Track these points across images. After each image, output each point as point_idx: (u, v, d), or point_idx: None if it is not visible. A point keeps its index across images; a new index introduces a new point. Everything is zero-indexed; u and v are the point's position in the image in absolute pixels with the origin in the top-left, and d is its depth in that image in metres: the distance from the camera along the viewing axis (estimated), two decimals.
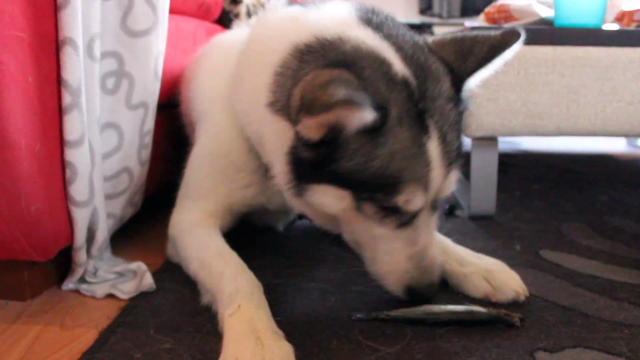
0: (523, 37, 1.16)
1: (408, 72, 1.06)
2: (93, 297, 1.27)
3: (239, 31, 1.61)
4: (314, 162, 1.05)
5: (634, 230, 1.82)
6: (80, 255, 1.25)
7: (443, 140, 1.07)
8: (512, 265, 1.33)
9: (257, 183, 1.41)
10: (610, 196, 2.25)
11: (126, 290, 1.27)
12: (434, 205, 1.16)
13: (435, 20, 4.74)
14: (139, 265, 1.33)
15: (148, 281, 1.28)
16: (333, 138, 1.02)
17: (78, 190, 1.17)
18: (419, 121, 1.04)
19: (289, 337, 1.05)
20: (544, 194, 2.27)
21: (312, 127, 1.00)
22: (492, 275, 1.27)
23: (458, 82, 1.13)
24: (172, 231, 1.41)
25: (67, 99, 1.11)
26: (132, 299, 1.25)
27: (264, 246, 1.61)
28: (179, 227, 1.39)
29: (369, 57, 1.05)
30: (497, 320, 1.14)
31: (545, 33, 1.75)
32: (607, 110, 1.77)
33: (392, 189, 1.04)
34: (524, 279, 1.33)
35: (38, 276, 1.27)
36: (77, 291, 1.30)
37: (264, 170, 1.35)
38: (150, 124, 1.42)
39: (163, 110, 1.70)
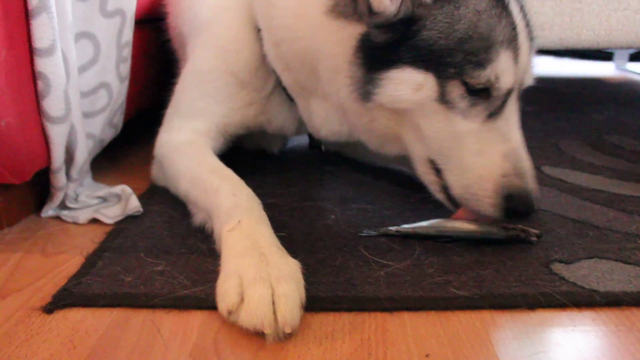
0: None
1: None
2: (75, 223, 1.18)
3: None
4: (390, 43, 1.01)
5: (633, 147, 1.78)
6: (59, 178, 1.15)
7: (522, 10, 1.04)
8: None
9: (259, 102, 1.32)
10: (605, 116, 2.21)
11: (111, 214, 1.18)
12: (519, 95, 1.07)
13: None
14: (124, 189, 1.24)
15: (134, 204, 1.19)
16: (410, 11, 1.00)
17: (52, 104, 1.06)
18: None
19: (291, 255, 0.98)
20: (539, 115, 2.21)
21: None
22: None
23: None
24: (159, 150, 1.31)
25: (33, 0, 0.99)
26: (118, 223, 1.16)
27: (256, 168, 1.53)
28: (168, 146, 1.29)
29: None
30: (513, 239, 1.07)
31: None
32: (612, 19, 1.69)
33: (484, 57, 0.98)
34: None
35: (14, 202, 1.17)
36: (57, 218, 1.21)
37: (271, 88, 1.30)
38: (128, 34, 1.29)
39: (142, 25, 1.57)
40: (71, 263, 1.02)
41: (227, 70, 1.28)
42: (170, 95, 1.38)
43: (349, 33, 1.06)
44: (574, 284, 0.94)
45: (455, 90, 1.00)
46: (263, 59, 1.25)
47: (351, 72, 1.07)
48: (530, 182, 1.03)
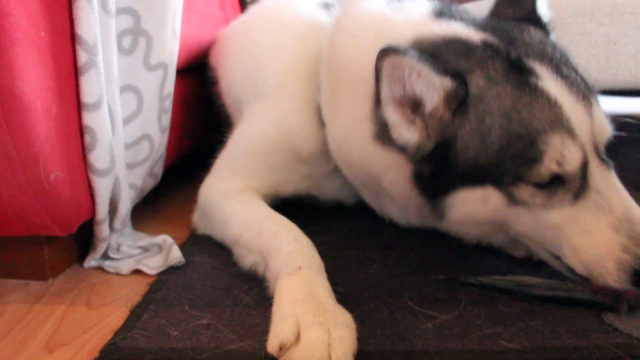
0: None
1: (486, 36, 1.01)
2: (118, 274, 1.19)
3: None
4: (438, 172, 0.99)
5: None
6: (103, 229, 1.16)
7: (559, 73, 0.95)
8: None
9: (317, 177, 1.34)
10: None
11: (153, 265, 1.19)
12: (601, 157, 0.96)
13: None
14: (165, 239, 1.25)
15: (176, 254, 1.19)
16: (442, 139, 0.97)
17: (98, 157, 1.08)
18: (518, 68, 0.95)
19: None
20: None
21: (397, 116, 0.97)
22: None
23: (537, 20, 1.08)
24: (206, 197, 1.32)
25: (83, 57, 1.02)
26: (160, 274, 1.16)
27: (291, 215, 1.53)
28: (216, 194, 1.31)
29: (447, 44, 1.01)
30: (600, 305, 0.96)
31: None
32: None
33: (533, 153, 0.91)
34: None
35: (59, 253, 1.19)
36: (100, 268, 1.22)
37: (332, 168, 1.30)
38: (170, 86, 1.32)
39: (181, 74, 1.61)
40: (116, 315, 1.02)
41: (290, 149, 1.29)
42: (222, 144, 1.39)
43: (399, 161, 1.05)
44: (630, 335, 0.91)
45: (523, 191, 0.94)
46: (327, 145, 1.26)
47: (415, 199, 1.07)
48: None
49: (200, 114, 1.80)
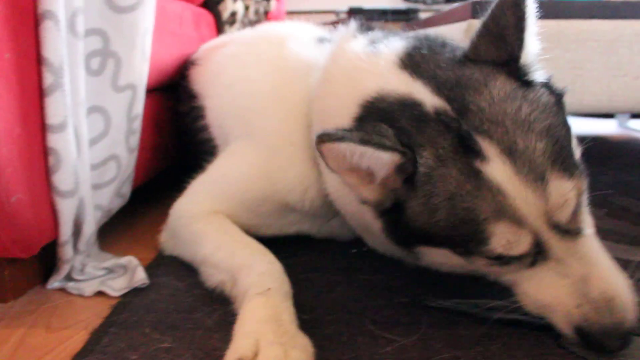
0: None
1: (440, 102, 0.95)
2: (81, 296, 1.18)
3: (283, 32, 1.49)
4: (401, 227, 0.99)
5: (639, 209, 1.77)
6: (66, 251, 1.16)
7: (510, 152, 0.88)
8: None
9: (308, 222, 1.35)
10: (610, 176, 2.21)
11: (117, 287, 1.18)
12: (565, 229, 0.90)
13: (420, 6, 4.67)
14: (130, 260, 1.24)
15: (140, 276, 1.19)
16: (397, 201, 0.96)
17: (62, 179, 1.07)
18: (466, 148, 0.90)
19: None
20: None
21: (353, 179, 0.96)
22: None
23: (515, 69, 0.97)
24: (177, 218, 1.32)
25: (48, 78, 1.02)
26: (123, 296, 1.16)
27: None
28: (188, 215, 1.30)
29: (401, 106, 0.98)
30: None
31: (549, 6, 1.68)
32: (613, 85, 1.71)
33: (479, 236, 0.89)
34: None
35: (20, 275, 1.17)
36: (63, 290, 1.21)
37: (332, 215, 1.30)
38: (138, 107, 1.32)
39: (149, 95, 1.61)
40: (76, 339, 1.01)
41: (280, 201, 1.28)
42: (203, 170, 1.38)
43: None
44: (585, 359, 0.93)
45: (478, 260, 0.94)
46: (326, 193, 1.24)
47: (392, 245, 1.07)
48: (611, 316, 0.87)
49: (172, 133, 1.80)
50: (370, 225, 1.10)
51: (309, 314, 1.06)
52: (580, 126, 3.68)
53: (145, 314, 1.07)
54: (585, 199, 0.98)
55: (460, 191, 0.89)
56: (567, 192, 0.88)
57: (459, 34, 1.66)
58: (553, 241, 0.89)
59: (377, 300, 1.12)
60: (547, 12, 1.67)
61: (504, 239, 0.87)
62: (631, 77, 1.71)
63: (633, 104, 1.74)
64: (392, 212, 0.98)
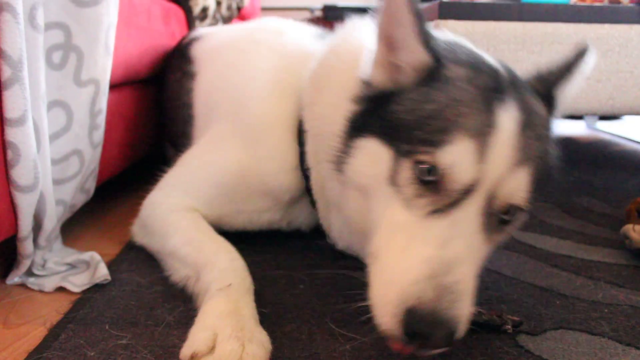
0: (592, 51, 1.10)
1: (499, 65, 1.00)
2: (41, 292, 1.17)
3: (277, 25, 1.52)
4: (366, 112, 0.99)
5: (602, 210, 1.81)
6: (26, 246, 1.14)
7: (521, 125, 0.89)
8: None
9: (279, 209, 1.36)
10: (575, 177, 2.25)
11: (78, 282, 1.17)
12: (490, 211, 0.89)
13: None
14: (92, 256, 1.23)
15: (102, 272, 1.18)
16: (394, 88, 0.97)
17: (21, 174, 1.06)
18: (495, 95, 0.90)
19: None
20: None
21: (381, 48, 0.98)
22: None
23: (548, 98, 1.04)
24: (149, 210, 1.33)
25: (6, 72, 1.00)
26: (85, 292, 1.15)
27: (225, 234, 1.52)
28: (161, 208, 1.31)
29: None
30: (487, 326, 1.01)
31: (514, 9, 1.71)
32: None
33: (439, 137, 0.86)
34: (499, 260, 1.29)
35: None
36: (23, 285, 1.19)
37: (299, 195, 1.32)
38: (102, 102, 1.31)
39: (117, 89, 1.59)
40: (33, 335, 1.00)
41: (262, 187, 1.31)
42: (175, 162, 1.39)
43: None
44: (540, 357, 0.95)
45: (405, 171, 0.89)
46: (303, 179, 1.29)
47: (337, 144, 1.04)
48: (449, 304, 0.79)
49: (140, 128, 1.79)
50: (341, 196, 1.11)
51: (271, 311, 1.07)
52: None
53: (105, 310, 1.07)
54: (519, 220, 0.97)
55: (467, 102, 0.89)
56: (523, 190, 0.89)
57: None
58: (474, 202, 0.86)
59: (339, 298, 1.13)
60: (513, 14, 1.70)
61: (456, 153, 0.85)
62: (593, 79, 1.74)
63: (596, 107, 1.77)
64: (376, 100, 0.99)
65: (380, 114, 0.96)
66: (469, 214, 0.86)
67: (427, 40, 0.94)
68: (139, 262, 1.28)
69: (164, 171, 1.40)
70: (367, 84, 1.01)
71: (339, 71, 1.15)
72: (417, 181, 0.88)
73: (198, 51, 1.66)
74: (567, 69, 1.07)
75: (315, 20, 4.20)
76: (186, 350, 0.86)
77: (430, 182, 0.87)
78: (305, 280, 1.22)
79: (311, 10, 4.64)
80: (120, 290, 1.15)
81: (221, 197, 1.32)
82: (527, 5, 1.73)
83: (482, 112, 0.88)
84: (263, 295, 1.13)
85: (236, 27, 1.72)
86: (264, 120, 1.30)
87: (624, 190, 2.08)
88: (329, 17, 4.24)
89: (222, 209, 1.33)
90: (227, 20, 2.67)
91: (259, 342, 0.89)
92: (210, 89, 1.50)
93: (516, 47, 1.69)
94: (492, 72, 0.96)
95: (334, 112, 1.10)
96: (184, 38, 1.90)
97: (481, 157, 0.85)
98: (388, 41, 0.97)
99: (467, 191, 0.86)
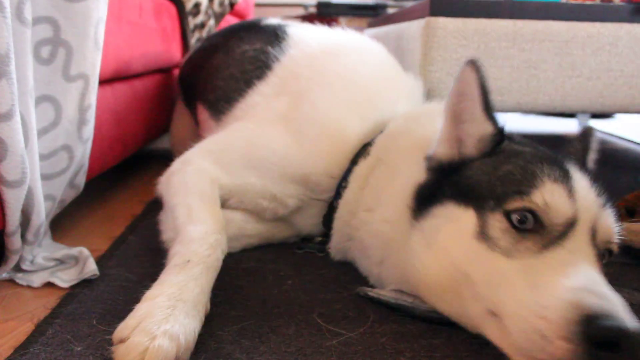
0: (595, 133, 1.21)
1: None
2: (30, 287, 1.16)
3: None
4: (438, 181, 1.05)
5: None
6: (14, 241, 1.14)
7: (587, 178, 0.98)
8: None
9: (298, 200, 1.35)
10: None
11: (67, 278, 1.17)
12: (595, 246, 0.91)
13: (388, 2, 4.68)
14: (81, 251, 1.23)
15: (91, 267, 1.18)
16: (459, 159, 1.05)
17: (8, 168, 1.05)
18: (557, 158, 1.01)
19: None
20: None
21: (448, 122, 1.06)
22: None
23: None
24: (178, 166, 1.35)
25: None
26: (73, 287, 1.15)
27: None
28: (188, 167, 1.33)
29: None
30: None
31: (506, 6, 1.71)
32: (567, 85, 1.75)
33: (527, 187, 0.92)
34: None
35: None
36: (11, 281, 1.19)
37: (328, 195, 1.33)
38: (91, 98, 1.30)
39: (107, 84, 1.59)
40: (20, 330, 1.00)
41: (297, 175, 1.32)
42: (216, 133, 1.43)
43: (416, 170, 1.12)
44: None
45: (497, 223, 0.92)
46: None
47: (409, 203, 1.08)
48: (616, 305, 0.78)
49: (131, 124, 1.78)
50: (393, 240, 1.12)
51: (258, 307, 1.07)
52: (541, 125, 3.75)
53: (93, 306, 1.07)
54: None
55: (541, 162, 0.96)
56: (617, 227, 0.96)
57: (417, 30, 1.68)
58: (580, 235, 0.90)
59: (327, 294, 1.13)
60: (505, 11, 1.70)
61: (552, 194, 0.90)
62: (584, 77, 1.75)
63: (586, 104, 1.78)
64: (442, 169, 1.06)
65: (452, 180, 1.02)
66: (581, 243, 0.89)
67: (491, 112, 1.03)
68: (128, 258, 1.28)
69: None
70: (430, 158, 1.09)
71: (411, 139, 1.21)
72: (511, 229, 0.90)
73: (294, 36, 1.61)
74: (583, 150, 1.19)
75: (308, 17, 4.20)
76: (116, 334, 0.87)
77: (525, 228, 0.90)
78: (294, 275, 1.22)
79: (305, 6, 4.64)
80: (108, 286, 1.15)
81: (251, 170, 1.33)
82: (518, 3, 1.73)
83: (556, 167, 0.95)
84: (251, 290, 1.13)
85: (338, 30, 1.66)
86: (331, 126, 1.31)
87: (616, 188, 2.08)
88: (323, 14, 4.24)
89: (242, 179, 1.33)
90: (219, 16, 2.66)
91: (173, 335, 0.85)
92: (296, 71, 1.47)
93: (507, 44, 1.69)
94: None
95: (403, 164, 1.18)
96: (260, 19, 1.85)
97: (572, 195, 0.91)
98: (455, 115, 1.05)
99: (571, 223, 0.90)
